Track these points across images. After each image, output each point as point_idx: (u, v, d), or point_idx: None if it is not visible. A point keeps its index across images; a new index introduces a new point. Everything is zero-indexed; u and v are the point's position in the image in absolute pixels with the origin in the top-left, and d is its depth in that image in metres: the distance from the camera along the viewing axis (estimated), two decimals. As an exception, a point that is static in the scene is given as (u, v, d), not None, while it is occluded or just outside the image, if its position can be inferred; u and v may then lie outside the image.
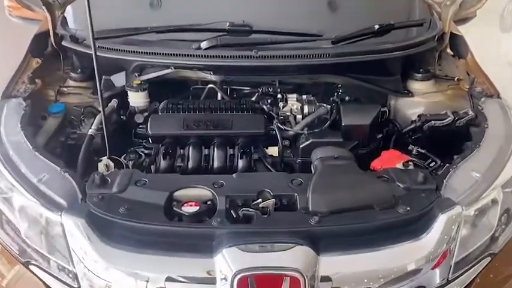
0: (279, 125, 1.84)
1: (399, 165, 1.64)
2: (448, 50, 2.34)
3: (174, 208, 1.40)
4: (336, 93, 2.04)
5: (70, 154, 1.90)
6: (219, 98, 2.17)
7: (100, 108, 2.05)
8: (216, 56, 1.99)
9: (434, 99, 2.15)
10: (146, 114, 2.05)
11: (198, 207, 1.40)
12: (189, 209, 1.39)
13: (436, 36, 2.26)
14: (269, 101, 1.99)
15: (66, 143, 1.95)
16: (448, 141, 1.99)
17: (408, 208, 1.42)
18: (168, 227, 1.35)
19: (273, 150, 1.89)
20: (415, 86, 2.20)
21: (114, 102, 2.08)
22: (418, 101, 2.15)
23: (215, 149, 1.81)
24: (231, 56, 1.98)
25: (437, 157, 1.85)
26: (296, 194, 1.45)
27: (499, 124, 1.78)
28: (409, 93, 2.17)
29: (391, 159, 1.76)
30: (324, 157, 1.59)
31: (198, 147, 1.82)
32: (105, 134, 1.66)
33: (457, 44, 2.31)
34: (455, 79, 2.22)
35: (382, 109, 2.13)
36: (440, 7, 2.23)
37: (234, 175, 1.55)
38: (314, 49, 2.06)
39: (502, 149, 1.65)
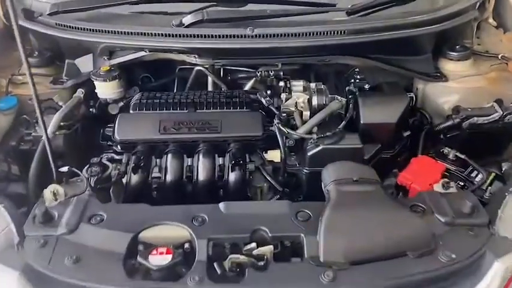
0: (280, 126, 1.45)
1: (438, 187, 1.26)
2: (491, 20, 1.90)
3: (139, 259, 1.05)
4: (352, 81, 1.63)
5: (24, 163, 1.54)
6: (210, 83, 1.79)
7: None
8: (202, 36, 1.57)
9: (474, 85, 1.73)
10: (123, 103, 1.67)
11: (170, 256, 1.04)
12: (158, 259, 1.04)
13: (477, 4, 1.82)
14: (268, 92, 1.59)
15: (19, 148, 1.59)
16: (492, 141, 1.60)
17: (453, 255, 1.05)
18: (128, 288, 1.00)
19: (274, 155, 1.52)
20: (450, 66, 1.78)
21: (79, 93, 1.69)
22: (454, 87, 1.73)
23: (200, 158, 1.43)
24: (220, 36, 1.56)
25: (479, 162, 1.48)
26: (302, 236, 1.09)
27: None
28: (442, 77, 1.75)
29: (423, 171, 1.39)
30: (340, 180, 1.21)
31: (178, 156, 1.44)
32: (48, 152, 1.27)
33: (502, 12, 1.87)
34: (500, 57, 1.80)
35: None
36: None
37: (220, 205, 1.18)
38: (325, 24, 1.63)
39: None
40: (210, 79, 1.78)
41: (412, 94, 1.78)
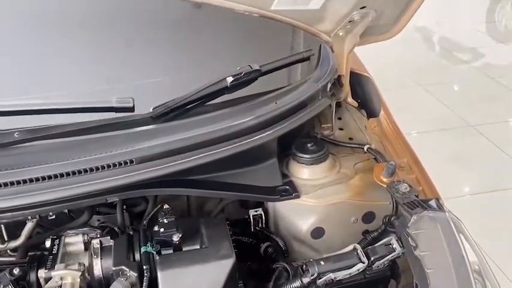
0: None
1: None
2: (350, 100, 1.47)
3: None
4: (156, 229, 1.08)
5: None
6: None
7: None
8: None
9: (335, 199, 1.26)
10: None
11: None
12: None
13: (329, 85, 1.37)
14: (16, 270, 1.00)
15: None
16: None
17: None
18: None
19: None
20: (302, 173, 1.31)
21: None
22: (311, 205, 1.26)
23: None
24: None
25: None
26: None
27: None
28: (292, 193, 1.26)
29: None
30: None
31: None
32: None
33: (363, 92, 1.44)
34: (365, 149, 1.37)
35: (254, 213, 1.26)
36: (330, 37, 1.31)
37: None
38: (115, 144, 1.09)
39: None
40: None
41: (259, 211, 1.29)
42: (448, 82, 4.63)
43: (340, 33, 1.25)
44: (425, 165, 1.40)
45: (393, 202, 1.25)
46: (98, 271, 1.03)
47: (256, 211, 1.30)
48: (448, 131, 3.79)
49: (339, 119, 1.52)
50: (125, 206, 1.28)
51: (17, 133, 1.07)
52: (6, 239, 1.16)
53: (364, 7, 1.13)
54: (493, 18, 6.06)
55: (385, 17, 1.20)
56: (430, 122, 3.87)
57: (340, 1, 1.09)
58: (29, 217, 1.10)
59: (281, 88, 1.37)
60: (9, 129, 1.07)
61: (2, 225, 1.13)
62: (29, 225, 1.15)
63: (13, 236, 1.18)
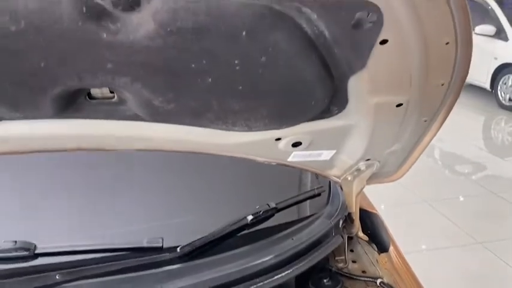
0: None
1: None
2: (361, 234, 1.57)
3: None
4: None
5: None
6: None
7: None
8: None
9: None
10: None
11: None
12: None
13: (341, 222, 1.49)
14: None
15: None
16: None
17: None
18: None
19: None
20: (319, 309, 1.37)
21: None
22: None
23: None
24: None
25: None
26: None
27: None
28: (309, 330, 1.32)
29: None
30: None
31: None
32: None
33: (372, 227, 1.55)
34: (378, 283, 1.43)
35: None
36: (340, 179, 1.47)
37: None
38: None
39: None
40: None
41: None
42: (452, 197, 4.74)
43: (349, 178, 1.40)
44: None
45: None
46: None
47: None
48: (456, 248, 3.81)
49: (351, 251, 1.61)
50: None
51: (58, 275, 1.17)
52: None
53: (369, 159, 1.29)
54: (490, 135, 6.38)
55: (389, 165, 1.36)
56: (437, 239, 3.91)
57: (347, 154, 1.26)
58: None
59: (296, 222, 1.48)
60: (49, 266, 1.17)
61: None
62: None
63: None
